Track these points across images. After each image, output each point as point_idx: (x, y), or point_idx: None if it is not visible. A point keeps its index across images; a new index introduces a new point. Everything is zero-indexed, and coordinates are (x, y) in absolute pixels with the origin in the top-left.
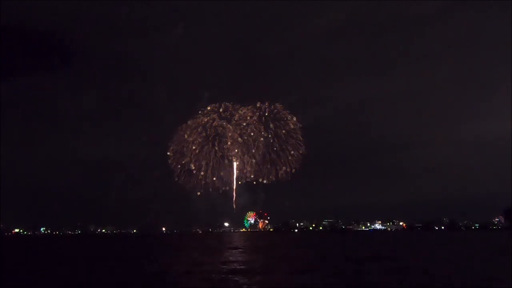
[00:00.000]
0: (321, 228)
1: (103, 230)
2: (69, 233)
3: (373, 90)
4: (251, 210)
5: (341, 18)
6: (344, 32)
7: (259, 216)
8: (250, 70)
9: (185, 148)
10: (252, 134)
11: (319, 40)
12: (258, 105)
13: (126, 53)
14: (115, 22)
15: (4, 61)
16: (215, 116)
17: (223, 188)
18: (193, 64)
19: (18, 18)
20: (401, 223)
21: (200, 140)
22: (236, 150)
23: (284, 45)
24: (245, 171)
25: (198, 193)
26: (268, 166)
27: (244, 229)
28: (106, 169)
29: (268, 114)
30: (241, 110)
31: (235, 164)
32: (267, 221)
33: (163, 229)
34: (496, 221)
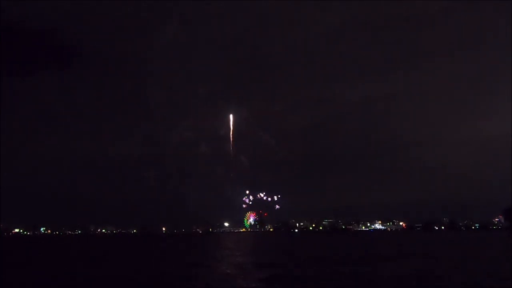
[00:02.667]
0: (321, 228)
1: (103, 230)
2: (69, 233)
3: (374, 90)
4: (251, 210)
5: (343, 18)
6: (346, 32)
7: (259, 216)
8: (249, 69)
9: (182, 148)
10: (248, 134)
11: (321, 40)
12: (255, 105)
13: (122, 52)
14: (112, 21)
15: (3, 61)
16: (212, 116)
17: (221, 187)
18: (191, 63)
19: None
20: (401, 223)
21: (197, 140)
22: (232, 149)
23: (286, 44)
24: (242, 170)
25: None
26: (265, 166)
27: (244, 229)
28: (106, 169)
29: (266, 114)
30: (239, 110)
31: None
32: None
33: (163, 229)
34: (496, 221)
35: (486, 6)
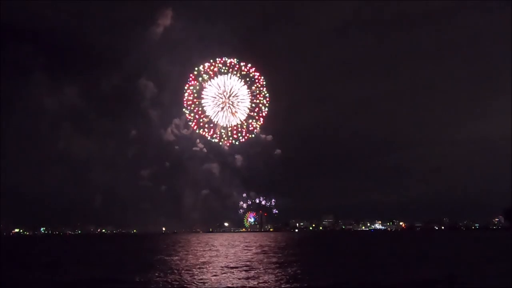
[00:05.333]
0: (321, 228)
1: (103, 230)
2: (69, 233)
3: (374, 89)
4: (251, 210)
5: (344, 17)
6: (349, 31)
7: (259, 216)
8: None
9: (179, 147)
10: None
11: (323, 38)
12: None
13: (115, 50)
14: (104, 19)
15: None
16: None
17: (220, 187)
18: (187, 61)
19: None
20: (401, 223)
21: (194, 138)
22: (229, 148)
23: (286, 43)
24: (240, 169)
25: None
26: (264, 165)
27: (244, 229)
28: (105, 169)
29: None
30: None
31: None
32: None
33: (163, 229)
34: (496, 221)
35: (487, 6)
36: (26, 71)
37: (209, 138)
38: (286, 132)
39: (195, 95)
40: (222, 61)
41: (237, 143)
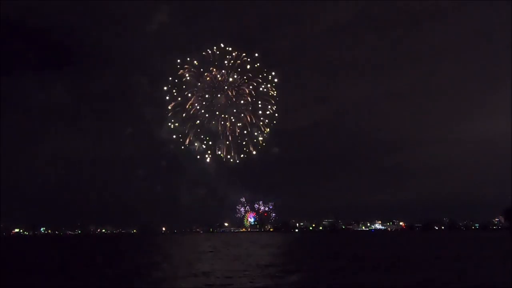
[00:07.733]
0: (321, 228)
1: (103, 230)
2: (69, 233)
3: (374, 89)
4: (251, 210)
5: (345, 16)
6: (348, 30)
7: (259, 216)
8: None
9: (176, 146)
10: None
11: (322, 38)
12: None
13: (110, 49)
14: (100, 19)
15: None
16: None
17: (220, 187)
18: (180, 55)
19: None
20: (400, 223)
21: (191, 137)
22: (226, 147)
23: (286, 42)
24: (239, 169)
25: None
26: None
27: (244, 229)
28: (105, 169)
29: (264, 113)
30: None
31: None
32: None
33: (163, 229)
34: (496, 221)
35: (487, 6)
36: (17, 69)
37: (198, 157)
38: (286, 131)
39: (179, 99)
40: (216, 50)
41: (237, 161)
